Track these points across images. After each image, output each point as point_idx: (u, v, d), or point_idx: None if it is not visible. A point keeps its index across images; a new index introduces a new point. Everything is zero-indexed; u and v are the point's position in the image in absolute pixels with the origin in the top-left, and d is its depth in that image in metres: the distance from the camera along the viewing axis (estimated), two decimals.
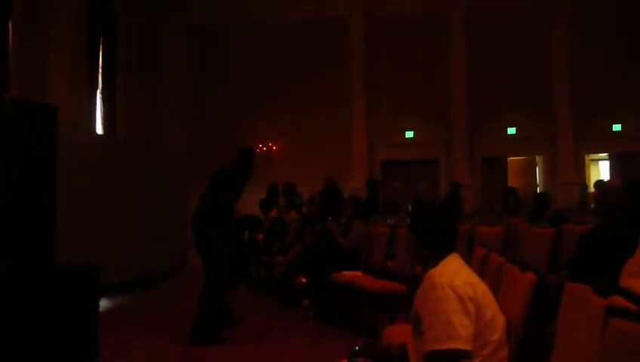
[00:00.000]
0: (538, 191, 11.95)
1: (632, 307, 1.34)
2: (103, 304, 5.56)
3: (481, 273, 2.77)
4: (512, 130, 12.61)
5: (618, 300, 1.42)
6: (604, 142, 12.68)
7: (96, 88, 10.61)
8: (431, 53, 12.56)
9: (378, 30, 12.63)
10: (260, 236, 7.20)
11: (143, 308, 6.08)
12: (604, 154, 13.39)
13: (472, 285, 1.89)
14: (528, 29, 12.37)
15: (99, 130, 10.47)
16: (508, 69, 12.23)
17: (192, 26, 13.00)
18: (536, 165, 13.44)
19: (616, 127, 12.37)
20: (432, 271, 1.97)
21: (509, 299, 2.15)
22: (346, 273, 5.10)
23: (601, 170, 14.22)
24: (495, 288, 2.37)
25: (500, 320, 1.94)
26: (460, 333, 1.77)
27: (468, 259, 2.82)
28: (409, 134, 12.74)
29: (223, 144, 12.59)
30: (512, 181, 13.10)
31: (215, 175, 4.95)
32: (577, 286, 1.72)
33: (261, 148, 12.13)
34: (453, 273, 1.92)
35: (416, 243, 2.13)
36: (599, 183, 6.87)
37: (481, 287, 1.95)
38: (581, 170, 12.64)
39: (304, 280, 5.48)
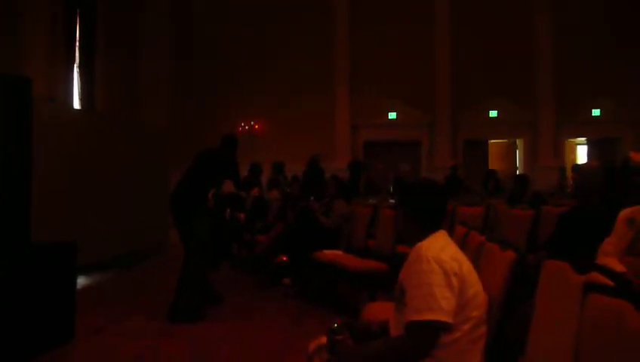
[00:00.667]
0: (518, 173, 12.09)
1: (609, 283, 1.35)
2: (81, 283, 5.50)
3: (462, 250, 2.80)
4: (493, 113, 12.70)
5: (596, 277, 1.43)
6: (584, 127, 12.87)
7: (74, 63, 10.34)
8: (416, 36, 12.51)
9: (363, 12, 12.53)
10: (242, 215, 7.17)
11: (122, 288, 6.03)
12: (583, 139, 13.60)
13: (457, 261, 1.90)
14: (512, 14, 12.39)
15: (76, 105, 10.23)
16: (492, 54, 12.26)
17: (175, 3, 12.72)
18: (517, 148, 13.59)
19: (596, 113, 12.54)
20: (419, 244, 1.97)
21: (489, 276, 2.17)
22: (327, 252, 5.11)
23: (579, 154, 14.45)
24: (475, 266, 2.39)
25: (482, 297, 1.95)
26: (442, 306, 1.78)
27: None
28: (392, 115, 12.74)
29: (204, 121, 12.56)
30: (493, 164, 13.25)
31: (199, 158, 4.88)
32: (556, 263, 1.73)
33: (243, 127, 12.03)
34: (440, 248, 1.93)
35: (405, 218, 2.13)
36: (577, 166, 6.98)
37: (467, 265, 1.95)
38: (560, 154, 12.81)
39: (285, 258, 5.48)
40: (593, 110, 12.53)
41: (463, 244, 2.91)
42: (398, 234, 2.67)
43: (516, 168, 13.34)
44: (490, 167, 13.08)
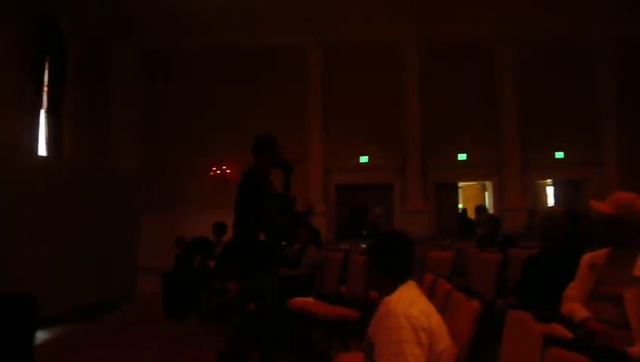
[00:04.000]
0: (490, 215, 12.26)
1: (569, 335, 1.37)
2: (41, 337, 5.25)
3: (429, 298, 2.79)
4: (462, 157, 12.97)
5: (556, 328, 1.44)
6: (549, 169, 13.23)
7: (40, 108, 10.22)
8: (386, 80, 12.85)
9: (335, 57, 12.86)
10: (211, 262, 7.02)
11: (85, 342, 5.77)
12: (550, 181, 13.98)
13: (427, 315, 1.89)
14: (477, 61, 12.87)
15: (43, 151, 10.06)
16: (459, 97, 12.64)
17: (146, 49, 12.85)
18: (486, 190, 13.85)
19: (559, 155, 12.95)
20: (388, 298, 1.96)
21: (455, 325, 2.16)
22: (298, 299, 5.02)
23: (547, 195, 14.82)
24: (443, 315, 2.39)
25: (452, 351, 1.94)
26: None
27: (419, 285, 2.84)
28: (364, 159, 12.91)
29: (178, 166, 12.47)
30: (465, 206, 13.50)
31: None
32: (518, 313, 1.74)
33: (215, 171, 11.98)
34: (410, 302, 1.92)
35: (372, 271, 2.13)
36: (540, 211, 7.13)
37: (436, 318, 1.95)
38: (528, 196, 13.09)
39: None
40: (557, 153, 12.94)
41: (431, 292, 2.91)
42: (368, 285, 2.66)
43: (486, 210, 13.54)
44: (460, 210, 13.33)
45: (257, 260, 3.89)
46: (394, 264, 2.05)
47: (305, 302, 4.97)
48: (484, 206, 10.78)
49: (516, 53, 12.79)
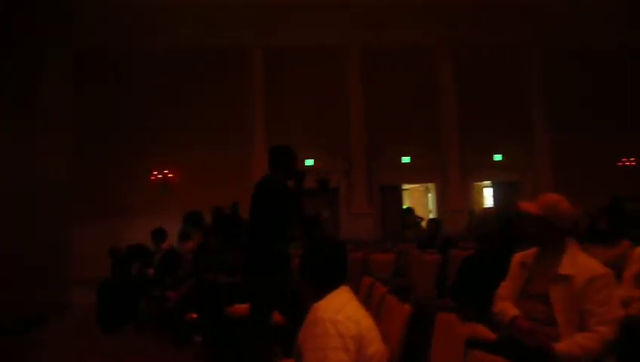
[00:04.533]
0: (430, 217, 12.56)
1: (492, 336, 1.37)
2: None
3: (367, 301, 2.79)
4: (406, 160, 13.22)
5: (480, 330, 1.45)
6: (488, 172, 13.71)
7: None
8: (330, 84, 12.92)
9: (278, 62, 12.77)
10: (150, 270, 6.79)
11: (13, 356, 5.43)
12: (489, 182, 14.49)
13: (355, 321, 1.86)
14: (419, 65, 13.17)
15: None
16: (402, 101, 12.88)
17: (79, 50, 12.25)
18: (429, 193, 14.19)
19: (498, 158, 13.45)
20: (317, 304, 1.93)
21: (388, 328, 2.16)
22: (240, 306, 4.91)
23: (486, 196, 15.34)
24: (378, 318, 2.38)
25: (383, 354, 1.92)
26: None
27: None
28: (309, 163, 12.90)
29: (114, 173, 11.94)
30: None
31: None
32: (446, 315, 1.75)
33: (156, 176, 11.63)
34: (338, 308, 1.89)
35: (304, 276, 2.09)
36: (475, 212, 7.35)
37: (366, 322, 1.92)
38: (468, 198, 13.50)
39: (194, 315, 5.21)
40: (495, 155, 13.43)
41: (368, 296, 2.91)
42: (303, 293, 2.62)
43: (429, 212, 13.86)
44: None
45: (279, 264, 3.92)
46: (324, 270, 2.01)
47: (245, 308, 4.86)
48: (411, 207, 11.04)
49: (456, 59, 13.19)
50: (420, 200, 15.24)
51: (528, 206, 2.75)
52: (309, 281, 2.02)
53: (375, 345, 1.88)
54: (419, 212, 13.84)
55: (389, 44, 12.84)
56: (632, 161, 12.91)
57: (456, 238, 7.87)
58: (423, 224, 10.24)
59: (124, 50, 12.28)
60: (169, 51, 12.36)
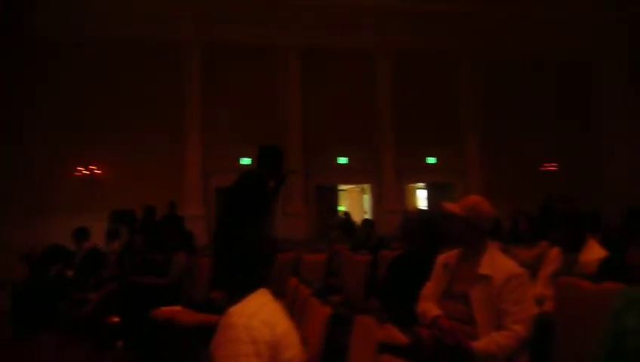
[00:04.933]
0: (365, 218, 12.72)
1: (404, 340, 1.35)
2: None
3: (292, 304, 2.74)
4: (342, 160, 13.31)
5: (394, 333, 1.43)
6: (422, 174, 14.08)
7: None
8: (267, 83, 12.78)
9: (214, 58, 12.45)
10: (70, 272, 6.40)
11: None
12: (423, 184, 14.89)
13: (270, 326, 1.80)
14: (357, 66, 13.30)
15: None
16: (339, 102, 12.96)
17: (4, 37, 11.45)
18: (365, 194, 14.38)
19: (431, 160, 13.85)
20: (231, 309, 1.86)
21: (309, 331, 2.11)
22: (164, 309, 4.72)
23: (420, 197, 15.77)
24: (302, 321, 2.33)
25: (301, 358, 1.87)
26: None
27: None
28: (245, 161, 12.71)
29: (33, 171, 11.14)
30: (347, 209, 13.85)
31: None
32: (364, 318, 1.73)
33: (81, 172, 11.03)
34: (252, 312, 1.82)
35: (219, 279, 2.01)
36: (404, 212, 7.51)
37: (283, 327, 1.86)
38: (402, 199, 13.79)
39: (116, 319, 4.96)
40: (429, 158, 13.82)
41: (294, 298, 2.86)
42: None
43: (365, 212, 14.05)
44: (340, 211, 13.65)
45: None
46: (238, 272, 1.93)
47: (171, 311, 4.68)
48: (335, 208, 11.18)
49: (393, 63, 13.43)
50: (357, 200, 15.46)
51: (451, 207, 2.81)
52: (223, 285, 1.94)
53: (292, 349, 1.83)
54: (355, 213, 14.04)
55: (329, 45, 12.88)
56: (554, 166, 13.66)
57: (391, 239, 7.98)
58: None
59: (51, 42, 11.50)
60: (101, 50, 11.73)
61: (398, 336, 1.37)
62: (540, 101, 13.62)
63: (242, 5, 12.10)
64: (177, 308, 4.85)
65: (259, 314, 1.82)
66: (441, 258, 2.99)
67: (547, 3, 12.94)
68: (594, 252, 3.45)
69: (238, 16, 12.22)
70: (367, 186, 14.16)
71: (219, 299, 2.15)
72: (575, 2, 12.92)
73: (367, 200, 14.37)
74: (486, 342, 2.50)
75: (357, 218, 12.83)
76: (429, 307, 2.81)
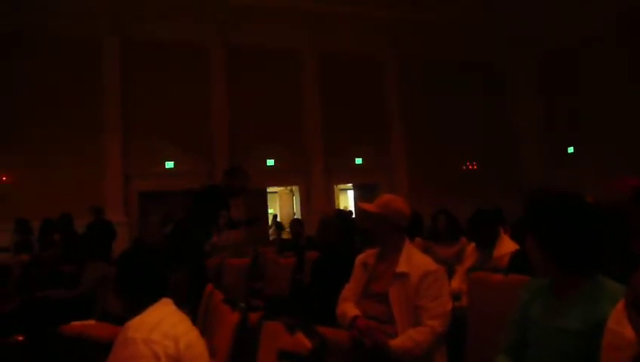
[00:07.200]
0: (294, 218, 12.66)
1: (308, 346, 1.28)
2: None
3: (205, 310, 2.62)
4: (270, 162, 13.18)
5: (299, 339, 1.36)
6: (350, 174, 14.22)
7: None
8: (193, 84, 12.38)
9: (135, 60, 11.89)
10: None
11: None
12: (350, 185, 15.05)
13: (173, 338, 1.67)
14: (284, 67, 13.22)
15: None
16: (266, 104, 12.77)
17: None
18: (294, 195, 14.32)
19: (358, 161, 14.03)
20: (128, 322, 1.70)
21: (218, 339, 2.00)
22: (76, 323, 4.39)
23: (349, 198, 15.95)
24: (214, 328, 2.22)
25: None
26: None
27: None
28: (169, 165, 12.27)
29: None
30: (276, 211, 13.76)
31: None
32: (271, 324, 1.64)
33: None
34: (153, 325, 1.68)
35: (118, 291, 1.85)
36: (320, 214, 7.53)
37: (188, 338, 1.73)
38: (331, 199, 13.86)
39: (21, 338, 4.55)
40: (357, 158, 13.98)
41: (208, 304, 2.73)
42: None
43: (294, 214, 14.00)
44: (270, 213, 13.55)
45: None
46: (136, 282, 1.79)
47: (82, 326, 4.37)
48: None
49: (321, 64, 13.46)
50: (287, 202, 15.40)
51: (366, 205, 2.82)
52: (122, 296, 1.79)
53: (199, 360, 1.71)
54: (286, 214, 13.96)
55: (255, 45, 12.71)
56: (474, 165, 14.27)
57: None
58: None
59: None
60: (7, 48, 10.88)
61: (304, 343, 1.30)
62: (463, 103, 14.16)
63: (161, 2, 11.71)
64: (90, 321, 4.54)
65: (160, 326, 1.68)
66: (361, 257, 2.98)
67: (469, 11, 13.49)
68: (506, 246, 3.58)
69: (158, 12, 11.78)
70: (295, 188, 14.11)
71: (120, 310, 1.98)
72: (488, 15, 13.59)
73: (296, 201, 14.33)
74: (402, 339, 2.51)
75: (287, 219, 12.78)
76: (347, 308, 2.79)
